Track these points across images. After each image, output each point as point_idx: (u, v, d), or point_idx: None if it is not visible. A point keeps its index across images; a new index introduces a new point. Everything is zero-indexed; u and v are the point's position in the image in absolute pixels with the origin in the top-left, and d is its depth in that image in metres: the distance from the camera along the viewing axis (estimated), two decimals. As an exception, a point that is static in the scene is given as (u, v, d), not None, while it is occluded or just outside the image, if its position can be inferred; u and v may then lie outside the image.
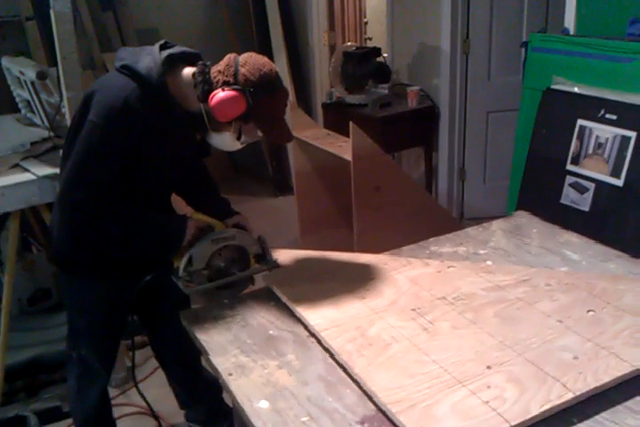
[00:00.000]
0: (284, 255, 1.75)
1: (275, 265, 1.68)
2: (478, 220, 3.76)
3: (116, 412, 2.27)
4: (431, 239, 1.88)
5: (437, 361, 1.22)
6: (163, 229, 1.59)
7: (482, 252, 1.78)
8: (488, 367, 1.20)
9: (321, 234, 3.23)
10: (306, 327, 1.42)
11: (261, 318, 1.49)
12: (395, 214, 2.68)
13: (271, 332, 1.43)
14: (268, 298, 1.58)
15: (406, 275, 1.59)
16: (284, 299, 1.53)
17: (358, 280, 1.58)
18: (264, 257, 1.68)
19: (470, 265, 1.65)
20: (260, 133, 1.56)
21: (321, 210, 3.18)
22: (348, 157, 2.56)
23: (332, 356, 1.30)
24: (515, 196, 2.93)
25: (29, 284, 3.02)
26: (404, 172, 2.77)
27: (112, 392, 2.35)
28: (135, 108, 1.46)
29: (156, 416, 1.89)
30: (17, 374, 2.48)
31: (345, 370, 1.25)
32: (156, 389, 2.32)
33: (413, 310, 1.42)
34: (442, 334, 1.32)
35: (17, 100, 3.01)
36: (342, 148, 2.77)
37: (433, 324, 1.35)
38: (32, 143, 2.55)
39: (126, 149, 1.48)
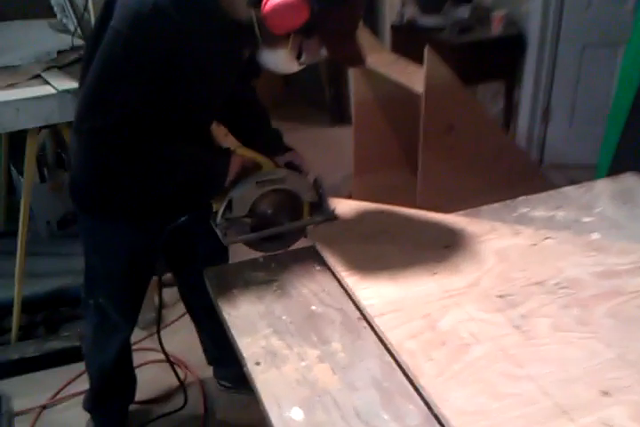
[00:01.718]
0: (339, 206, 1.42)
1: (332, 217, 1.37)
2: (559, 167, 3.37)
3: (142, 358, 2.07)
4: (520, 198, 1.52)
5: (534, 377, 0.90)
6: (201, 166, 1.29)
7: (586, 220, 1.41)
8: (604, 393, 0.87)
9: (378, 174, 2.89)
10: (357, 305, 1.12)
11: (303, 288, 1.19)
12: (467, 159, 2.31)
13: (313, 307, 1.13)
14: (312, 260, 1.28)
15: (490, 246, 1.25)
16: (332, 264, 1.22)
17: (428, 248, 1.25)
18: (320, 206, 1.37)
19: (573, 238, 1.30)
20: (324, 52, 1.21)
21: (380, 147, 2.82)
22: (420, 88, 2.16)
23: (389, 351, 1.00)
24: (611, 145, 2.50)
25: (59, 205, 2.79)
26: (483, 110, 2.37)
27: (139, 335, 2.15)
28: (168, 15, 1.11)
29: (174, 370, 1.65)
30: (38, 306, 2.29)
31: (407, 374, 0.95)
32: (187, 333, 2.09)
33: (501, 297, 1.09)
34: (540, 336, 0.99)
35: (52, 2, 2.67)
36: (413, 77, 2.36)
37: (527, 320, 1.03)
38: (59, 52, 2.23)
39: (156, 66, 1.15)
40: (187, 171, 1.28)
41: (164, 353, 1.56)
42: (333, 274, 1.22)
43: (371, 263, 1.20)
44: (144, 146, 1.21)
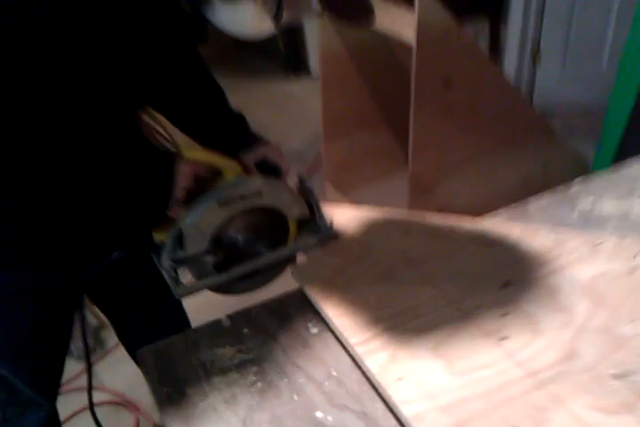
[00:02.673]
0: (335, 217, 0.98)
1: (331, 235, 0.93)
2: (551, 114, 2.96)
3: (81, 400, 1.61)
4: (574, 188, 1.10)
5: None
6: (128, 181, 0.81)
7: (674, 215, 1.02)
8: None
9: (351, 138, 2.42)
10: (387, 404, 0.70)
11: (296, 374, 0.76)
12: (468, 117, 1.88)
13: (319, 414, 0.70)
14: (303, 315, 0.85)
15: (569, 276, 0.84)
16: (337, 329, 0.79)
17: (480, 289, 0.83)
18: (312, 221, 0.92)
19: (676, 251, 0.90)
20: (316, 6, 0.74)
21: (354, 106, 2.34)
22: (409, 35, 1.69)
23: None
24: (627, 85, 2.09)
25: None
26: (486, 58, 1.91)
27: (75, 369, 1.70)
28: None
29: (97, 421, 1.16)
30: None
31: None
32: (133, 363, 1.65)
33: (617, 377, 0.68)
34: None
35: None
36: (395, 20, 1.87)
37: (678, 428, 0.63)
38: None
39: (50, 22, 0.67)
40: (105, 190, 0.81)
41: (92, 412, 1.10)
42: (339, 341, 0.79)
43: (398, 324, 0.77)
44: (39, 159, 0.73)
